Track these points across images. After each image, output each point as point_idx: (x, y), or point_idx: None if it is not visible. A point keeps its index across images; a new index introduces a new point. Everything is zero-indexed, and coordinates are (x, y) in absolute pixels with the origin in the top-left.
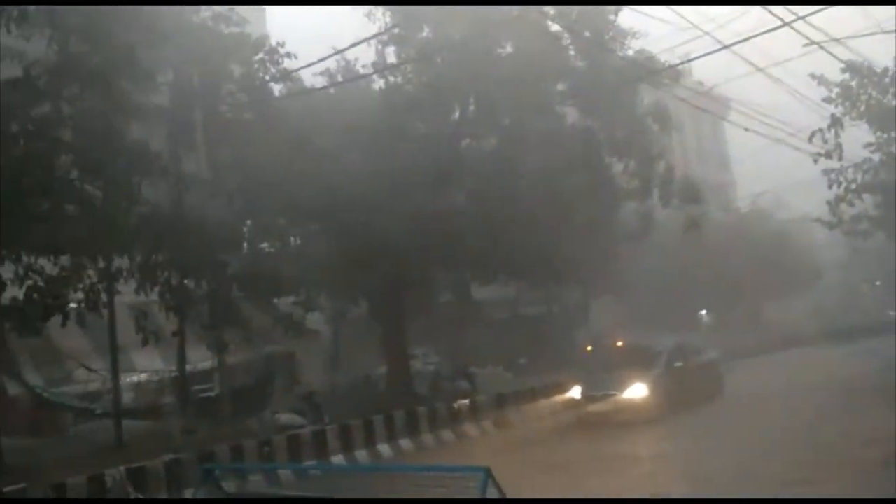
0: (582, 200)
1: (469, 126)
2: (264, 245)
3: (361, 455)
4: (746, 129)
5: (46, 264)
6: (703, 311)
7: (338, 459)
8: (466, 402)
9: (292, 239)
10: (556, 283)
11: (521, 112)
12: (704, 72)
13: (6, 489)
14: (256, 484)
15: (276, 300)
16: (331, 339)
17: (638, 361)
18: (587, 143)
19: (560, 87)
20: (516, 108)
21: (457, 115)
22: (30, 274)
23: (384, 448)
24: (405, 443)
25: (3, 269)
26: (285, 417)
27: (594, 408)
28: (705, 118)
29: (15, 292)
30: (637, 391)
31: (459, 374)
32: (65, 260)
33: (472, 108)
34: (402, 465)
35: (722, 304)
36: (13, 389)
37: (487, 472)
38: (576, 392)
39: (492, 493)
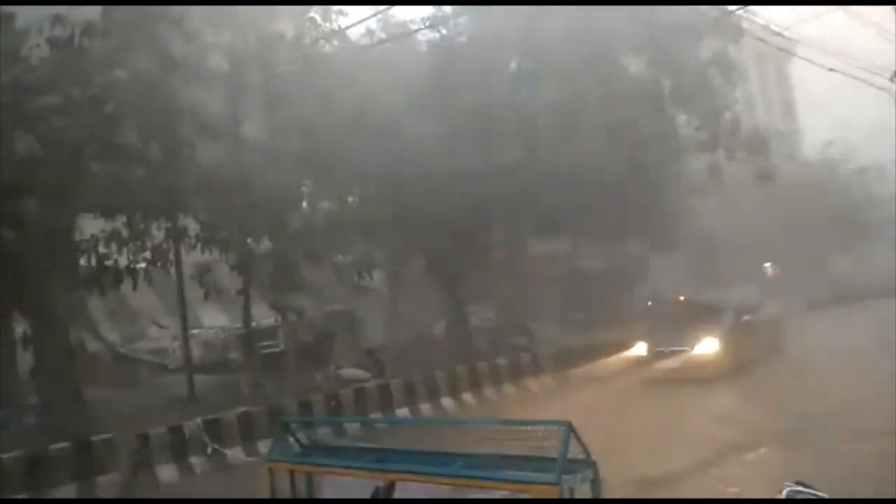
0: (645, 154)
1: (527, 78)
2: (323, 204)
3: (426, 408)
4: (831, 69)
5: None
6: (768, 265)
7: (402, 412)
8: (526, 356)
9: (350, 198)
10: (618, 238)
11: (582, 62)
12: (773, 12)
13: (93, 438)
14: (326, 436)
15: (335, 258)
16: (389, 296)
17: (704, 317)
18: (651, 94)
19: (623, 36)
20: (577, 59)
21: (514, 66)
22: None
23: (447, 401)
24: (467, 397)
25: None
26: (348, 372)
27: (663, 364)
28: (769, 64)
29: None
30: (708, 346)
31: (517, 330)
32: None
33: (530, 59)
34: (479, 418)
35: (787, 258)
36: (93, 346)
37: (569, 428)
38: (641, 349)
39: (574, 450)
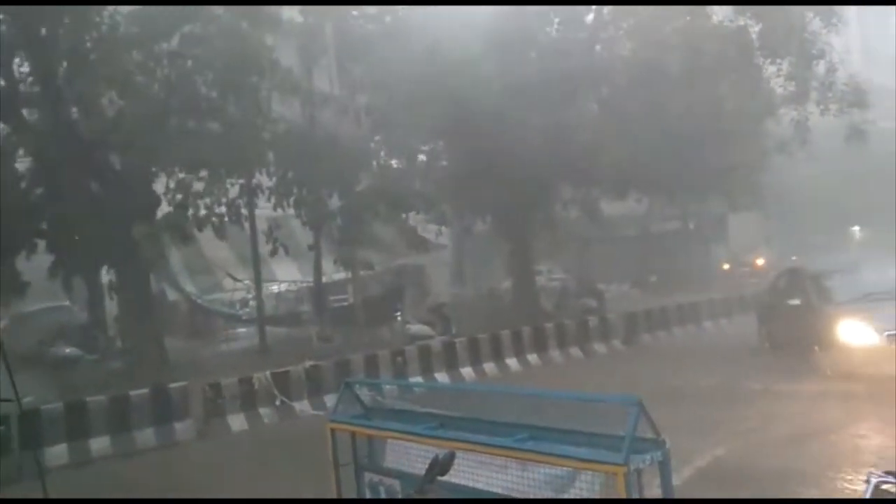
0: (728, 108)
1: (604, 29)
2: (393, 161)
3: (490, 368)
4: None
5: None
6: (856, 228)
7: (467, 371)
8: (594, 319)
9: (421, 156)
10: (695, 197)
11: (662, 11)
12: None
13: (171, 385)
14: (391, 392)
15: (405, 215)
16: (456, 253)
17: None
18: (737, 43)
19: None
20: (656, 7)
21: (591, 16)
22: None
23: (512, 362)
24: (532, 357)
25: (156, 185)
26: (416, 328)
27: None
28: (870, 13)
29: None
30: None
31: (586, 291)
32: (206, 175)
33: (606, 9)
34: (545, 390)
35: (882, 221)
36: (172, 296)
37: (639, 405)
38: (862, 331)
39: (643, 428)
